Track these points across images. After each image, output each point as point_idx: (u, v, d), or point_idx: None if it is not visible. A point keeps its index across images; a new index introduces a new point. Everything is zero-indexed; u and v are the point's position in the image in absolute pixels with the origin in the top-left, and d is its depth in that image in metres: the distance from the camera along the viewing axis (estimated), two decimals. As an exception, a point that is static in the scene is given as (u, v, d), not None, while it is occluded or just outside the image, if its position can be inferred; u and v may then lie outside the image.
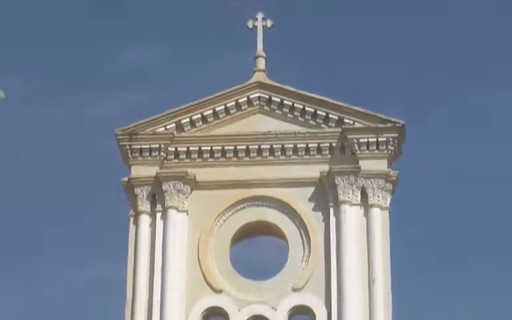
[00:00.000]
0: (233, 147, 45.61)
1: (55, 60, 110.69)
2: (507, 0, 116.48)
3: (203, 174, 45.50)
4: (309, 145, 45.54)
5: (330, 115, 45.70)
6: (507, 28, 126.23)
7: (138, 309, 43.73)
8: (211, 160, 45.79)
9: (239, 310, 43.56)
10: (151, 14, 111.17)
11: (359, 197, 44.62)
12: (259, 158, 45.64)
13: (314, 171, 45.19)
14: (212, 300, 43.91)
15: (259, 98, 46.43)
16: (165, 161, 45.71)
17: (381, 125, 45.37)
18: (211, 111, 46.21)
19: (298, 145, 45.55)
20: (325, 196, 44.91)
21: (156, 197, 45.16)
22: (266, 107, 46.51)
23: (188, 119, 46.07)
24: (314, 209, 44.99)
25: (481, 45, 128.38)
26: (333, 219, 44.34)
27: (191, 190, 45.20)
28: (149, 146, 45.62)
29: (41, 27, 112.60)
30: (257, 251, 47.07)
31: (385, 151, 45.24)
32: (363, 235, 44.16)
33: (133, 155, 45.71)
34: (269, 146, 45.61)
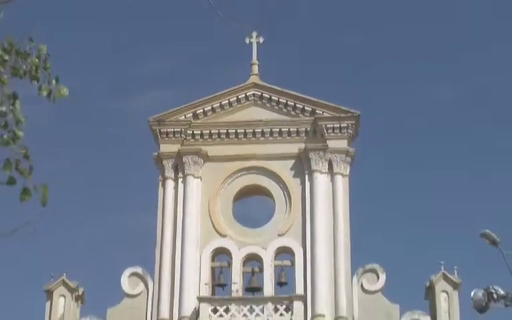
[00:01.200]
0: (234, 131, 47.48)
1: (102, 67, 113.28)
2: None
3: (212, 150, 47.41)
4: (290, 129, 47.45)
5: (305, 107, 47.48)
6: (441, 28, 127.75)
7: (165, 250, 46.05)
8: (219, 140, 47.60)
9: (239, 249, 45.75)
10: (171, 33, 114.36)
11: (327, 167, 46.63)
12: (254, 138, 47.49)
13: (293, 148, 47.22)
14: (219, 242, 46.21)
15: (254, 95, 48.12)
16: (184, 141, 47.38)
17: (342, 115, 47.20)
18: (218, 104, 47.95)
19: (282, 129, 47.41)
20: (302, 166, 46.89)
21: (178, 167, 47.10)
22: (259, 102, 48.16)
23: (201, 110, 47.76)
24: (294, 176, 47.07)
25: (428, 44, 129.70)
26: (307, 183, 46.52)
27: (204, 162, 47.12)
28: (172, 130, 47.42)
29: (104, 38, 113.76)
30: (252, 206, 48.70)
31: (345, 134, 47.06)
32: (329, 195, 46.23)
33: (161, 136, 47.48)
34: (260, 130, 47.40)
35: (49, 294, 45.24)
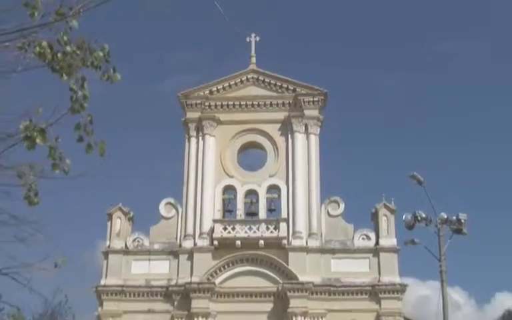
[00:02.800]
0: (238, 103, 47.55)
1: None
2: None
3: (223, 117, 47.40)
4: (278, 102, 47.46)
5: (289, 87, 47.50)
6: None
7: (190, 187, 46.09)
8: (227, 109, 47.56)
9: (242, 186, 46.14)
10: (192, 34, 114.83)
11: (303, 128, 46.78)
12: (252, 108, 47.52)
13: (280, 115, 47.31)
14: (227, 181, 46.51)
15: (252, 77, 48.02)
16: (203, 110, 47.34)
17: (314, 92, 47.21)
18: (227, 84, 47.91)
19: (272, 102, 47.40)
20: (286, 128, 46.97)
21: (198, 129, 47.21)
22: (256, 82, 48.01)
23: (215, 88, 47.72)
24: (280, 135, 47.13)
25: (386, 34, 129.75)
26: (290, 140, 46.73)
27: (217, 125, 47.19)
28: (195, 102, 47.40)
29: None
30: (250, 156, 48.66)
31: (317, 105, 47.14)
32: (305, 148, 46.41)
33: (187, 106, 47.47)
34: (257, 102, 47.41)
35: (109, 216, 45.78)
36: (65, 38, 6.93)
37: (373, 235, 44.52)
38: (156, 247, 45.30)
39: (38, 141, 6.82)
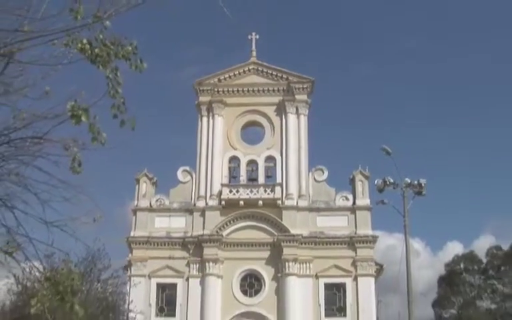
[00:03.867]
0: (241, 89, 47.15)
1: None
2: None
3: (229, 100, 47.10)
4: (274, 88, 47.10)
5: (283, 75, 47.13)
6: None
7: (202, 157, 45.97)
8: (233, 94, 47.17)
9: (244, 157, 45.97)
10: (203, 33, 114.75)
11: (295, 110, 46.47)
12: (253, 93, 47.10)
13: (275, 99, 47.01)
14: (232, 153, 46.25)
15: (253, 68, 47.59)
16: (213, 94, 46.99)
17: (303, 80, 46.97)
18: (232, 73, 47.52)
19: (269, 88, 47.05)
20: (280, 110, 46.65)
21: (209, 110, 46.90)
22: (256, 72, 47.56)
23: (223, 77, 47.36)
24: (276, 115, 46.84)
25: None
26: (283, 120, 46.49)
27: (224, 107, 46.89)
28: (206, 88, 47.07)
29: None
30: (251, 133, 48.39)
31: (306, 91, 46.86)
32: (296, 126, 46.21)
33: (200, 92, 47.11)
34: (257, 88, 47.08)
35: (137, 181, 45.97)
36: (101, 36, 6.99)
37: (350, 197, 44.66)
38: (175, 205, 45.48)
39: (83, 118, 6.90)
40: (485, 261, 68.78)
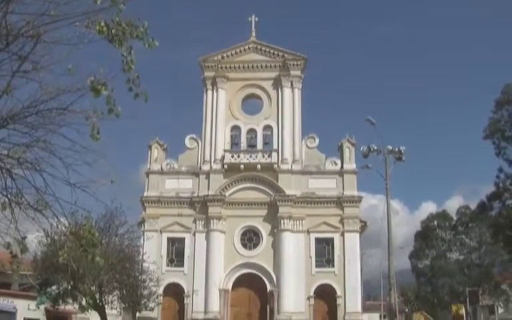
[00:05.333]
0: (242, 65, 46.74)
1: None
2: None
3: (231, 75, 46.76)
4: (271, 64, 46.67)
5: (279, 53, 46.73)
6: None
7: (207, 126, 45.87)
8: (234, 69, 46.80)
9: (245, 126, 45.80)
10: (207, 17, 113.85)
11: (290, 84, 46.20)
12: (252, 69, 46.74)
13: (273, 74, 46.65)
14: (234, 122, 46.07)
15: (252, 46, 47.13)
16: (217, 70, 46.59)
17: (297, 57, 46.64)
18: (234, 51, 47.07)
19: (267, 64, 46.65)
20: (277, 84, 46.35)
21: (213, 84, 46.61)
22: (255, 50, 47.12)
23: (225, 54, 46.94)
24: (273, 89, 46.51)
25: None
26: (279, 93, 46.19)
27: (227, 81, 46.59)
28: (211, 64, 46.68)
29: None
30: (251, 104, 48.23)
31: (299, 67, 46.47)
32: (291, 99, 45.95)
33: (205, 67, 46.77)
34: (256, 65, 46.67)
35: (149, 147, 46.03)
36: (117, 18, 6.99)
37: (338, 162, 44.73)
38: (183, 169, 45.55)
39: (103, 91, 6.95)
40: (455, 218, 69.41)
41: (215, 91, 46.83)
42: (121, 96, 7.27)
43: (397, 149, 29.84)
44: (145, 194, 44.75)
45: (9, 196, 8.18)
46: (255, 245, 43.63)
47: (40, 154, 8.45)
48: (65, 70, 7.63)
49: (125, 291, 33.79)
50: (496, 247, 55.99)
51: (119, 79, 7.18)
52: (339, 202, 43.34)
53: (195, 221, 43.91)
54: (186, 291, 42.77)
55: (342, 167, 44.33)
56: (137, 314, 40.25)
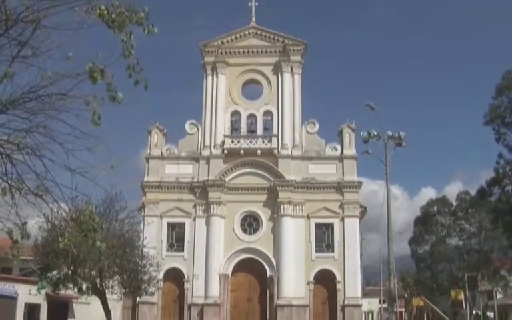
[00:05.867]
0: (242, 50, 46.56)
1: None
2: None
3: (231, 60, 46.60)
4: (271, 50, 46.49)
5: (279, 38, 46.52)
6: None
7: (207, 111, 45.76)
8: (234, 55, 46.60)
9: (245, 111, 45.71)
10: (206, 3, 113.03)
11: (290, 69, 46.05)
12: (252, 54, 46.58)
13: (273, 60, 46.48)
14: (234, 107, 45.97)
15: (252, 32, 46.92)
16: (217, 55, 46.38)
17: (297, 42, 46.45)
18: (234, 36, 46.82)
19: (267, 50, 46.48)
20: (277, 69, 46.22)
21: (213, 69, 46.38)
22: (255, 35, 46.92)
23: (225, 39, 46.69)
24: (273, 74, 46.36)
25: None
26: (279, 78, 46.06)
27: (227, 66, 46.42)
28: (211, 49, 46.42)
29: None
30: (251, 90, 48.10)
31: (299, 52, 46.30)
32: (291, 84, 45.83)
33: (205, 53, 46.53)
34: (256, 50, 46.52)
35: (149, 132, 46.00)
36: (117, 3, 6.97)
37: (339, 147, 44.74)
38: (183, 154, 45.56)
39: (99, 78, 6.95)
40: (454, 204, 69.55)
41: (215, 76, 46.67)
42: (121, 81, 7.26)
43: (397, 135, 29.85)
44: (145, 179, 44.80)
45: (9, 181, 8.19)
46: (255, 230, 43.74)
47: (40, 139, 8.47)
48: (65, 55, 7.61)
49: (125, 276, 33.99)
50: (495, 233, 56.16)
51: (119, 65, 7.16)
52: (339, 187, 43.40)
53: (195, 206, 44.00)
54: (186, 276, 42.95)
55: (342, 152, 44.34)
56: (137, 299, 40.58)
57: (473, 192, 58.02)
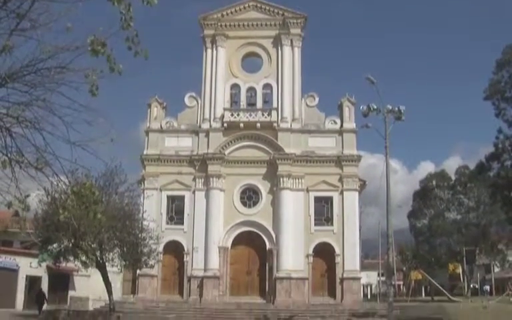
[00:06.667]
0: (242, 23, 46.12)
1: None
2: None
3: (231, 33, 46.12)
4: (271, 23, 46.07)
5: (279, 11, 46.09)
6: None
7: (207, 83, 45.53)
8: (234, 28, 46.17)
9: (244, 84, 45.42)
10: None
11: (289, 42, 45.65)
12: (252, 27, 46.12)
13: (273, 33, 46.04)
14: (234, 80, 45.77)
15: (252, 4, 46.29)
16: (216, 28, 46.00)
17: (297, 15, 45.95)
18: (234, 9, 46.43)
19: (267, 23, 46.07)
20: (277, 42, 45.86)
21: (213, 42, 46.02)
22: (255, 8, 46.35)
23: (225, 12, 46.28)
24: (272, 47, 45.97)
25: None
26: (279, 51, 45.70)
27: (226, 39, 46.02)
28: (210, 22, 46.06)
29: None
30: (251, 62, 47.75)
31: (299, 25, 45.84)
32: (291, 57, 45.43)
33: (205, 25, 46.17)
34: (256, 23, 46.05)
35: (149, 105, 45.91)
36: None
37: (338, 121, 44.63)
38: (182, 127, 45.52)
39: (100, 51, 6.90)
40: (453, 178, 69.81)
41: (214, 49, 46.36)
42: (120, 54, 7.23)
43: (396, 109, 29.81)
44: (145, 152, 44.83)
45: (8, 155, 8.20)
46: (255, 203, 43.88)
47: (39, 112, 8.47)
48: (64, 28, 7.57)
49: (125, 249, 34.29)
50: (494, 207, 56.43)
51: (118, 37, 7.11)
52: (338, 161, 43.44)
53: (194, 179, 44.11)
54: (186, 249, 43.22)
55: (341, 125, 44.27)
56: (138, 271, 40.94)
57: (472, 166, 58.13)
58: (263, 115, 44.47)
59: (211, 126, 44.81)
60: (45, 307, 38.48)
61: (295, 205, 42.95)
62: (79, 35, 7.47)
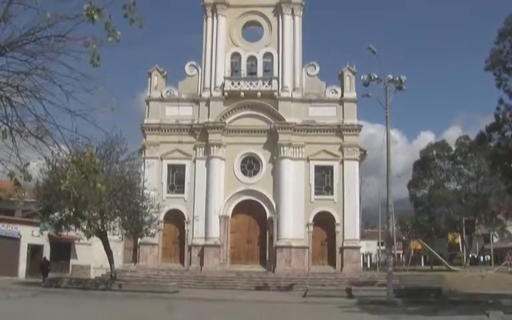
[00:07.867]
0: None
1: None
2: None
3: (231, 1, 45.42)
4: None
5: (280, -20, 45.95)
6: None
7: (207, 52, 45.22)
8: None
9: (245, 53, 45.14)
10: None
11: (290, 12, 45.25)
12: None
13: (273, 1, 45.63)
14: (234, 49, 45.42)
15: None
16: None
17: (298, -12, 46.09)
18: (234, -23, 46.38)
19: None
20: (277, 12, 45.47)
21: (213, 11, 45.57)
22: None
23: (226, -18, 46.32)
24: (273, 16, 45.52)
25: None
26: (280, 20, 45.31)
27: (227, 8, 45.47)
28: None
29: None
30: (251, 32, 47.43)
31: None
32: (292, 27, 45.05)
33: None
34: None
35: (149, 74, 45.85)
36: None
37: (339, 90, 44.52)
38: (183, 96, 45.42)
39: (96, 17, 6.88)
40: (454, 148, 69.83)
41: (215, 17, 46.02)
42: (121, 23, 7.20)
43: (397, 78, 29.72)
44: (146, 121, 44.82)
45: (9, 124, 8.21)
46: (255, 172, 44.01)
47: (39, 81, 8.44)
48: (63, -4, 7.51)
49: (126, 218, 34.56)
50: (494, 178, 56.50)
51: (117, 6, 7.07)
52: (339, 130, 43.43)
53: (195, 148, 44.16)
54: (186, 218, 43.47)
55: (342, 95, 44.16)
56: (138, 240, 41.29)
57: (472, 137, 58.14)
58: (263, 84, 44.31)
59: (211, 95, 44.69)
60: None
61: (296, 174, 43.07)
62: (79, 2, 7.42)
